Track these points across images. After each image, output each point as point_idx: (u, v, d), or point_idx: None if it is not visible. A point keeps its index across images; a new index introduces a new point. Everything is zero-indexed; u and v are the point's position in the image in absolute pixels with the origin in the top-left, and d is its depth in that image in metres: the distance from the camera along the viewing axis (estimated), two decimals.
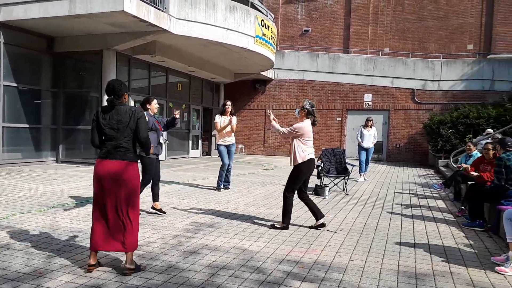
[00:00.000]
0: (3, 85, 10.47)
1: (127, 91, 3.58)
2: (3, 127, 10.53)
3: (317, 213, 5.15)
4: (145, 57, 12.67)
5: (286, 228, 5.07)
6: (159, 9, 10.10)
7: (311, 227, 5.17)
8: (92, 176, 3.48)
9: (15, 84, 10.82)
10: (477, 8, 18.74)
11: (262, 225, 5.24)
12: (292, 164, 5.09)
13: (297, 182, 5.08)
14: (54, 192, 7.18)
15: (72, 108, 12.23)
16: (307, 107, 5.15)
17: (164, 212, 5.72)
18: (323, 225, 5.14)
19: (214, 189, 8.03)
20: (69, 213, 5.54)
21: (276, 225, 5.12)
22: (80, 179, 8.85)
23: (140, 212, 5.42)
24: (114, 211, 3.40)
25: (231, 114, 8.03)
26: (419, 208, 6.78)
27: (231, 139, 8.05)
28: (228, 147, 8.04)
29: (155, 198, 5.83)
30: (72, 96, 12.24)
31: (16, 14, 9.97)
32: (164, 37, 11.15)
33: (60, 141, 12.20)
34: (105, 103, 3.55)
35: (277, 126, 5.27)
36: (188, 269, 3.56)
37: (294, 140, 5.07)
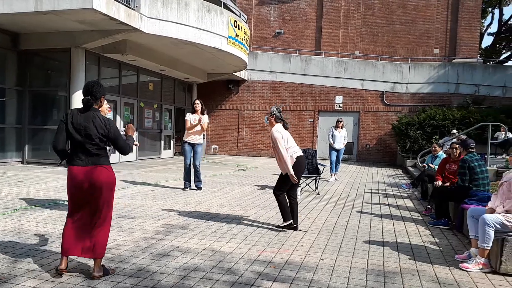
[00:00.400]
0: None
1: (105, 94, 3.46)
2: None
3: (295, 218, 5.15)
4: (116, 56, 12.41)
5: (291, 226, 5.02)
6: (130, 8, 9.92)
7: (278, 226, 5.20)
8: (66, 180, 3.37)
9: None
10: (443, 14, 19.44)
11: (235, 226, 5.24)
12: (284, 172, 5.03)
13: (288, 184, 5.09)
14: (19, 194, 6.92)
15: (39, 107, 11.83)
16: (274, 112, 5.19)
17: None
18: (295, 228, 5.11)
19: (187, 190, 7.94)
20: (35, 216, 5.35)
21: (280, 225, 5.08)
22: (47, 180, 8.57)
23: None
24: (87, 217, 3.33)
25: (201, 112, 7.95)
26: (388, 207, 6.97)
27: (198, 139, 7.95)
28: (194, 146, 7.94)
29: None
30: (39, 95, 11.84)
31: None
32: (135, 36, 10.96)
33: (26, 141, 11.77)
34: (73, 102, 3.41)
35: (286, 160, 4.93)
36: (158, 271, 3.51)
37: (275, 149, 5.05)
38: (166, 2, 10.86)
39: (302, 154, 5.17)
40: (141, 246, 4.23)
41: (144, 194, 7.46)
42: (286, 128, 5.25)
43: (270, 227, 5.24)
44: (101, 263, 3.36)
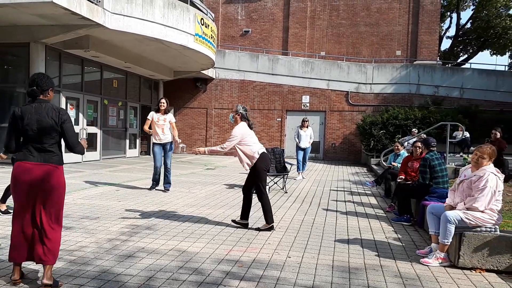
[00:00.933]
0: None
1: (53, 87, 3.24)
2: None
3: (245, 213, 5.18)
4: (78, 51, 11.99)
5: (271, 228, 5.03)
6: (92, 2, 9.60)
7: (233, 221, 5.26)
8: (11, 179, 3.10)
9: None
10: (404, 17, 20.09)
11: (203, 225, 5.20)
12: (248, 168, 5.05)
13: (264, 180, 5.10)
14: None
15: None
16: (240, 111, 5.17)
17: (10, 212, 5.28)
18: (244, 225, 5.14)
19: (153, 190, 7.79)
20: None
21: (261, 228, 5.03)
22: (2, 180, 8.17)
23: (67, 216, 5.14)
24: (35, 219, 3.07)
25: (165, 112, 7.74)
26: (353, 205, 7.13)
27: (167, 137, 7.72)
28: (164, 145, 7.76)
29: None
30: None
31: None
32: (98, 31, 10.64)
33: None
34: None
35: (213, 148, 5.13)
36: (123, 273, 3.43)
37: (236, 147, 5.03)
38: None
39: (265, 151, 5.16)
40: (105, 247, 4.11)
41: (109, 194, 7.26)
42: (250, 127, 5.23)
43: (237, 226, 5.23)
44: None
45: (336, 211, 6.53)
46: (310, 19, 20.98)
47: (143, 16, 10.92)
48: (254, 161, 4.99)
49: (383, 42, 20.35)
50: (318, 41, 20.95)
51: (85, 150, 3.36)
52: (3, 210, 5.36)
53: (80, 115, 12.83)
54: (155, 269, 3.55)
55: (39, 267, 3.40)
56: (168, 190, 7.81)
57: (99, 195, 7.08)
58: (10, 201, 5.38)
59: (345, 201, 7.47)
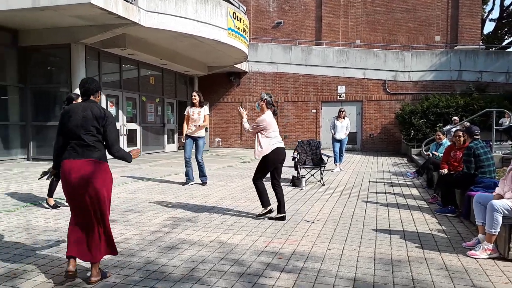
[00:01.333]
0: None
1: (101, 90, 3.36)
2: None
3: (280, 207, 5.19)
4: (115, 50, 12.36)
5: (271, 211, 5.18)
6: (128, 1, 9.84)
7: (271, 218, 5.23)
8: (61, 178, 3.17)
9: None
10: (443, 1, 19.25)
11: (241, 218, 5.25)
12: (257, 156, 5.16)
13: (265, 172, 5.20)
14: (26, 190, 6.95)
15: (41, 104, 11.83)
16: (265, 97, 5.23)
17: (58, 207, 5.63)
18: (282, 218, 5.15)
19: (192, 184, 7.85)
20: (42, 212, 5.38)
21: (260, 213, 5.24)
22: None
23: (112, 209, 5.32)
24: (83, 216, 3.13)
25: (200, 105, 7.76)
26: (394, 196, 6.96)
27: (199, 132, 7.73)
28: (195, 140, 7.76)
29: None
30: (41, 91, 11.84)
31: None
32: (134, 29, 10.90)
33: (30, 138, 11.80)
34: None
35: (246, 124, 5.32)
36: (167, 264, 3.53)
37: (258, 134, 5.14)
38: None
39: (282, 146, 5.22)
40: (149, 239, 4.25)
41: (150, 188, 7.48)
42: (275, 114, 5.33)
43: (269, 218, 5.24)
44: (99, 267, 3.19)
45: (376, 203, 6.40)
46: (343, 8, 20.54)
47: (176, 12, 11.08)
48: (266, 153, 5.08)
49: (421, 28, 19.61)
50: (353, 30, 20.49)
51: (127, 157, 3.35)
52: (51, 204, 5.63)
53: (120, 112, 13.25)
54: (197, 260, 3.63)
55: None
56: (206, 183, 7.88)
57: (141, 189, 7.31)
58: (57, 195, 5.66)
59: (385, 193, 7.31)
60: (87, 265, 3.32)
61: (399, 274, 3.38)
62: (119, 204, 5.95)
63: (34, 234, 4.36)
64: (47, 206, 5.62)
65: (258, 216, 5.24)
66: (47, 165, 10.27)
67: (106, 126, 3.15)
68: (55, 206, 5.61)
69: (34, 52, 11.66)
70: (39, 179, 3.38)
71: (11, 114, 11.44)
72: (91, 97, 3.27)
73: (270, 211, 5.20)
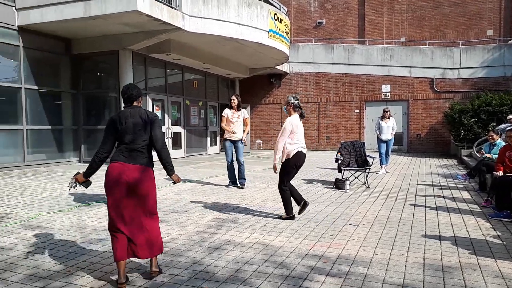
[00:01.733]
0: (25, 88, 10.73)
1: (142, 95, 3.45)
2: (26, 129, 10.80)
3: (297, 198, 5.27)
4: (161, 55, 12.76)
5: (292, 218, 5.24)
6: (172, 7, 10.15)
7: (298, 213, 5.31)
8: (105, 180, 3.21)
9: (35, 87, 11.07)
10: None
11: (284, 220, 5.24)
12: (283, 159, 5.21)
13: (289, 176, 5.24)
14: (79, 191, 7.32)
15: (92, 108, 12.44)
16: (292, 101, 5.23)
17: None
18: (305, 203, 5.25)
19: (236, 187, 7.88)
20: (94, 212, 5.65)
21: (282, 216, 5.32)
22: (103, 178, 8.99)
23: (159, 209, 5.50)
24: (134, 216, 3.20)
25: (238, 108, 7.76)
26: (443, 200, 6.67)
27: (238, 135, 7.70)
28: (234, 142, 7.73)
29: None
30: (91, 96, 12.45)
31: (33, 18, 10.17)
32: (178, 35, 11.20)
33: (82, 141, 12.44)
34: (123, 103, 3.40)
35: (276, 152, 5.20)
36: (212, 264, 3.59)
37: (280, 138, 5.19)
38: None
39: (303, 151, 5.22)
40: (195, 239, 4.34)
41: (194, 189, 7.64)
42: (302, 116, 5.32)
43: (320, 221, 5.19)
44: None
45: (425, 206, 6.16)
46: (387, 4, 19.99)
47: (218, 16, 11.27)
48: (287, 157, 5.13)
49: (471, 22, 18.70)
50: (397, 27, 19.89)
51: (173, 169, 3.32)
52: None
53: (165, 115, 13.66)
54: (241, 262, 3.66)
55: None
56: (244, 185, 7.80)
57: (185, 190, 7.49)
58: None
59: (434, 196, 7.02)
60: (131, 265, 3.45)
61: (451, 281, 3.24)
62: (165, 205, 6.12)
63: (86, 233, 4.58)
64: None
65: (280, 218, 5.31)
66: (100, 168, 10.74)
67: (153, 127, 3.26)
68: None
69: (85, 59, 12.29)
70: (69, 189, 3.44)
71: (65, 118, 12.12)
72: (134, 103, 3.35)
73: (292, 218, 5.25)
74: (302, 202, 5.24)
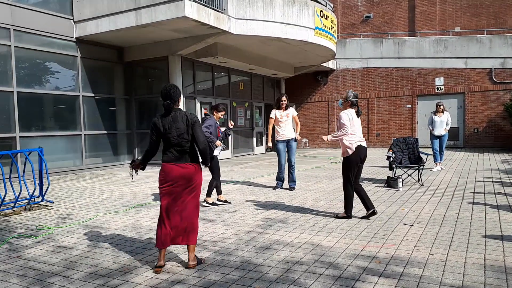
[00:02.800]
0: (82, 96, 11.41)
1: (181, 96, 3.70)
2: (84, 134, 11.47)
3: (367, 204, 5.12)
4: (208, 59, 13.03)
5: (349, 217, 5.17)
6: (218, 11, 10.33)
7: (363, 217, 5.17)
8: (159, 178, 3.58)
9: (92, 94, 11.73)
10: None
11: (333, 220, 5.16)
12: (342, 156, 5.17)
13: (352, 172, 5.11)
14: (133, 193, 7.67)
15: (144, 113, 12.97)
16: (350, 98, 5.14)
17: (229, 202, 6.33)
18: (374, 212, 5.12)
19: (285, 188, 7.76)
20: (148, 212, 5.88)
21: (339, 215, 5.25)
22: (156, 179, 9.35)
23: (209, 209, 5.64)
24: (180, 210, 3.55)
25: (286, 108, 7.55)
26: (505, 197, 6.25)
27: (290, 134, 7.50)
28: (288, 142, 7.51)
29: (219, 191, 6.41)
30: (143, 102, 12.98)
31: (90, 29, 10.79)
32: (225, 38, 11.38)
33: (135, 144, 13.00)
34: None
35: (333, 137, 5.23)
36: (262, 264, 3.61)
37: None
38: (252, 1, 11.09)
39: (363, 145, 5.10)
40: (244, 239, 4.39)
41: (242, 189, 7.73)
42: (358, 115, 5.20)
43: (372, 221, 5.05)
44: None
45: (485, 204, 5.81)
46: None
47: (264, 17, 11.32)
48: (349, 153, 5.03)
49: None
50: (451, 16, 18.91)
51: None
52: (210, 202, 6.23)
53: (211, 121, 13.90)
54: (291, 262, 3.65)
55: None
56: (294, 188, 7.54)
57: (234, 190, 7.59)
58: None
59: (494, 193, 6.59)
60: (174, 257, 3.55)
61: None
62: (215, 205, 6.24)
63: (141, 233, 4.78)
64: (206, 204, 6.21)
65: (336, 217, 5.25)
66: (151, 169, 11.18)
67: (194, 126, 3.57)
68: (214, 204, 6.24)
69: (137, 66, 12.84)
70: (131, 175, 3.91)
71: (119, 123, 12.73)
72: (174, 106, 3.62)
73: (349, 217, 5.18)
74: (371, 210, 5.10)
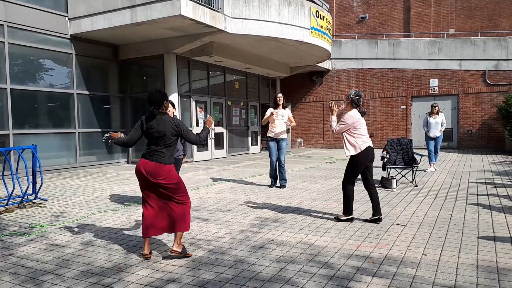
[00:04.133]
0: (77, 93, 11.34)
1: (167, 99, 3.90)
2: (78, 132, 11.40)
3: (376, 209, 4.98)
4: (203, 58, 13.00)
5: (351, 220, 5.03)
6: (214, 10, 10.31)
7: (366, 221, 5.07)
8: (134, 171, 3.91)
9: (86, 92, 11.66)
10: None
11: (327, 219, 5.18)
12: (348, 154, 4.99)
13: (355, 173, 4.99)
14: (128, 191, 7.64)
15: (139, 111, 12.91)
16: (351, 96, 4.99)
17: None
18: (379, 219, 4.97)
19: (276, 186, 7.89)
20: (141, 211, 5.84)
21: (340, 217, 5.09)
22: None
23: (203, 208, 5.61)
24: (157, 201, 3.83)
25: (283, 107, 7.74)
26: (498, 198, 6.31)
27: (282, 134, 7.69)
28: (278, 142, 7.71)
29: None
30: (138, 100, 12.92)
31: (84, 26, 10.72)
32: (220, 37, 11.36)
33: None
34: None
35: (333, 123, 5.06)
36: (256, 263, 3.61)
37: (345, 133, 4.97)
38: (248, 0, 11.08)
39: (371, 146, 4.99)
40: (238, 238, 4.39)
41: (237, 188, 7.73)
42: (363, 115, 5.05)
43: (365, 221, 5.07)
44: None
45: (478, 205, 5.86)
46: None
47: (259, 17, 11.31)
48: (354, 152, 4.89)
49: None
50: (446, 18, 19.03)
51: (207, 138, 3.98)
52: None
53: (208, 116, 13.88)
54: (285, 261, 3.66)
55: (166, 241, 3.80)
56: (285, 186, 7.71)
57: (228, 189, 7.59)
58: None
59: (487, 195, 6.65)
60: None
61: (507, 284, 3.05)
62: (209, 204, 6.24)
63: (135, 232, 4.76)
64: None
65: (336, 219, 5.10)
66: None
67: (182, 131, 3.83)
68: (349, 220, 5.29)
69: (132, 64, 12.78)
70: (103, 141, 4.07)
71: (113, 121, 12.67)
72: (159, 110, 3.79)
73: (351, 220, 5.04)
74: (377, 217, 4.96)
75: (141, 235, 3.94)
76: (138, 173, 3.81)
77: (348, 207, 5.03)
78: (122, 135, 4.06)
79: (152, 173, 3.74)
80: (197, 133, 4.01)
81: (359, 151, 4.87)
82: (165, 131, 3.74)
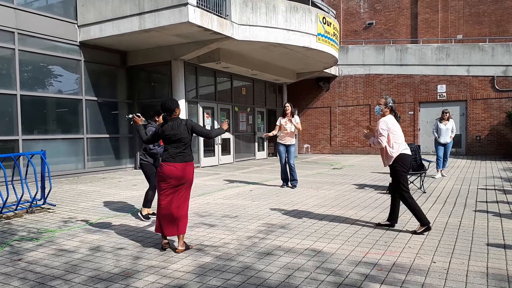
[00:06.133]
0: (85, 99, 11.44)
1: (178, 106, 4.31)
2: (86, 138, 11.50)
3: (394, 216, 4.98)
4: (211, 64, 13.07)
5: (429, 229, 4.69)
6: (221, 17, 10.38)
7: (377, 224, 5.10)
8: (157, 176, 4.20)
9: (95, 98, 11.76)
10: None
11: (335, 226, 5.15)
12: (387, 164, 4.89)
13: (404, 178, 4.85)
14: (135, 196, 7.66)
15: (147, 117, 12.90)
16: (390, 104, 4.94)
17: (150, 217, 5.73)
18: (391, 225, 4.99)
19: (288, 186, 8.48)
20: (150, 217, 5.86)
21: (417, 231, 4.68)
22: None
23: (210, 214, 5.62)
24: (176, 203, 4.15)
25: (291, 115, 8.39)
26: (508, 205, 6.23)
27: (290, 140, 8.42)
28: (287, 147, 8.42)
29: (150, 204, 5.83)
30: (146, 106, 13.00)
31: (93, 33, 10.84)
32: (228, 43, 11.42)
33: (137, 149, 13.00)
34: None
35: (376, 139, 4.92)
36: (264, 270, 3.60)
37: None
38: (255, 7, 11.14)
39: (407, 152, 4.89)
40: (245, 244, 4.38)
41: (244, 194, 7.72)
42: (398, 120, 4.99)
43: (373, 228, 5.04)
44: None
45: (487, 212, 5.79)
46: (442, 1, 19.14)
47: (267, 23, 11.36)
48: (390, 160, 4.83)
49: None
50: (453, 24, 18.96)
51: (224, 131, 4.57)
52: (144, 214, 5.69)
53: (215, 122, 13.95)
54: (293, 268, 3.64)
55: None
56: (295, 186, 8.39)
57: (235, 195, 7.58)
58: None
59: (497, 201, 6.57)
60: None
61: None
62: (216, 210, 6.24)
63: (144, 237, 4.77)
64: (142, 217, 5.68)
65: (415, 233, 4.68)
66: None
67: (193, 128, 4.27)
68: (147, 217, 5.66)
69: (140, 70, 12.88)
70: (126, 120, 4.45)
71: (121, 127, 12.75)
72: (172, 116, 4.23)
73: (428, 229, 4.68)
74: (390, 223, 4.94)
75: (150, 240, 3.96)
76: (165, 177, 4.10)
77: (420, 216, 4.68)
78: (144, 120, 4.70)
79: (178, 175, 4.11)
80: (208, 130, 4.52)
81: (394, 157, 4.79)
82: (180, 132, 4.15)
